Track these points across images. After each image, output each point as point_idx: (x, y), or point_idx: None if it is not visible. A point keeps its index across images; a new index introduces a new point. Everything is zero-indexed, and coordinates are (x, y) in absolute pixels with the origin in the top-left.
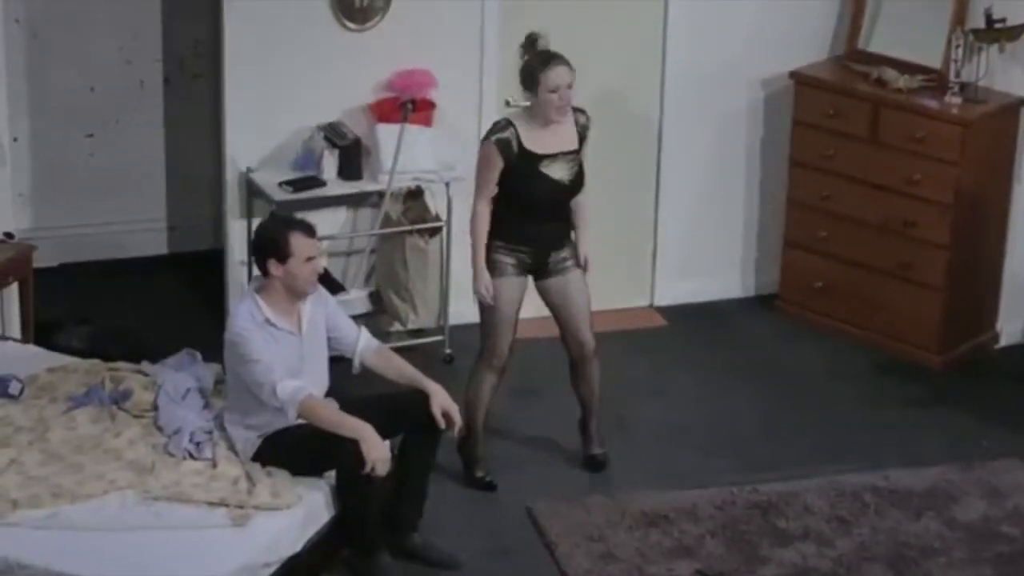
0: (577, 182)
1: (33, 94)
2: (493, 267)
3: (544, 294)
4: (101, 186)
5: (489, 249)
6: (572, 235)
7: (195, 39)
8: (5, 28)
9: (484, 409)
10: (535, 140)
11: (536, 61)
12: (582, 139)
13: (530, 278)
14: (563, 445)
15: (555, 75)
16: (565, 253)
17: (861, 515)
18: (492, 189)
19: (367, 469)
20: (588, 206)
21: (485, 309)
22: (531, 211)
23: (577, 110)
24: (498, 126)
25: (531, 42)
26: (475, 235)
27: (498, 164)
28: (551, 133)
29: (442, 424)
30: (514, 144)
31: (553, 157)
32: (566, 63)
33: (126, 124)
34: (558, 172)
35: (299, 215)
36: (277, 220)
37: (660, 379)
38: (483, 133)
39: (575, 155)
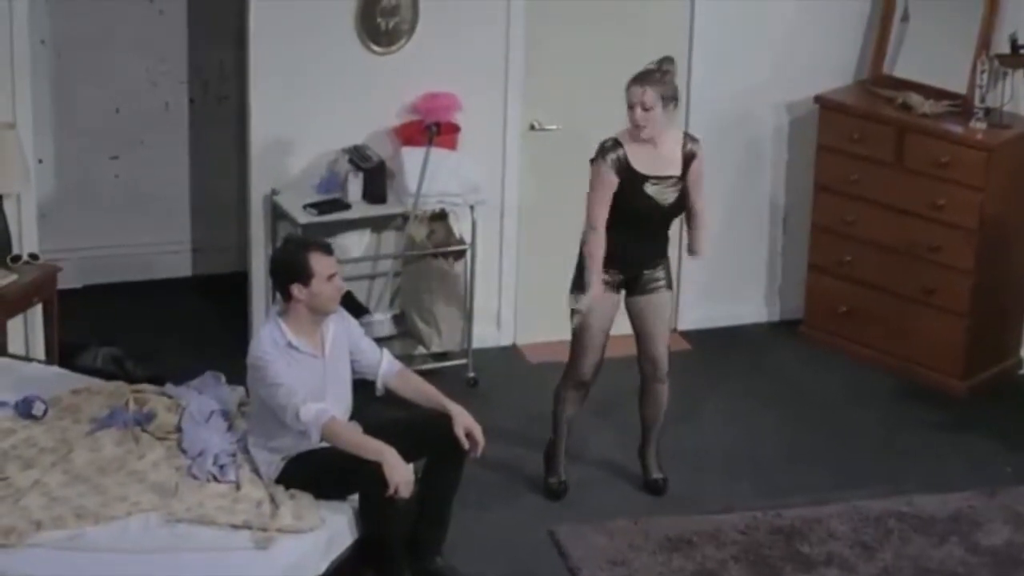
0: (676, 207)
1: (58, 115)
2: (585, 283)
3: (630, 310)
4: (126, 208)
5: (583, 268)
6: (667, 257)
7: (220, 61)
8: (31, 49)
9: (567, 416)
10: (641, 160)
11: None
12: (687, 164)
13: (623, 293)
14: (591, 468)
15: (629, 93)
16: (659, 273)
17: (885, 540)
18: (606, 212)
19: (390, 492)
20: (706, 212)
21: (574, 323)
22: (630, 230)
23: (689, 135)
24: (607, 146)
25: (659, 63)
26: (593, 258)
27: (613, 182)
28: (657, 154)
29: (466, 444)
30: (623, 162)
31: (658, 179)
32: (642, 82)
33: (151, 146)
34: (661, 194)
35: (323, 238)
36: (293, 243)
37: (684, 403)
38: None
39: (678, 180)
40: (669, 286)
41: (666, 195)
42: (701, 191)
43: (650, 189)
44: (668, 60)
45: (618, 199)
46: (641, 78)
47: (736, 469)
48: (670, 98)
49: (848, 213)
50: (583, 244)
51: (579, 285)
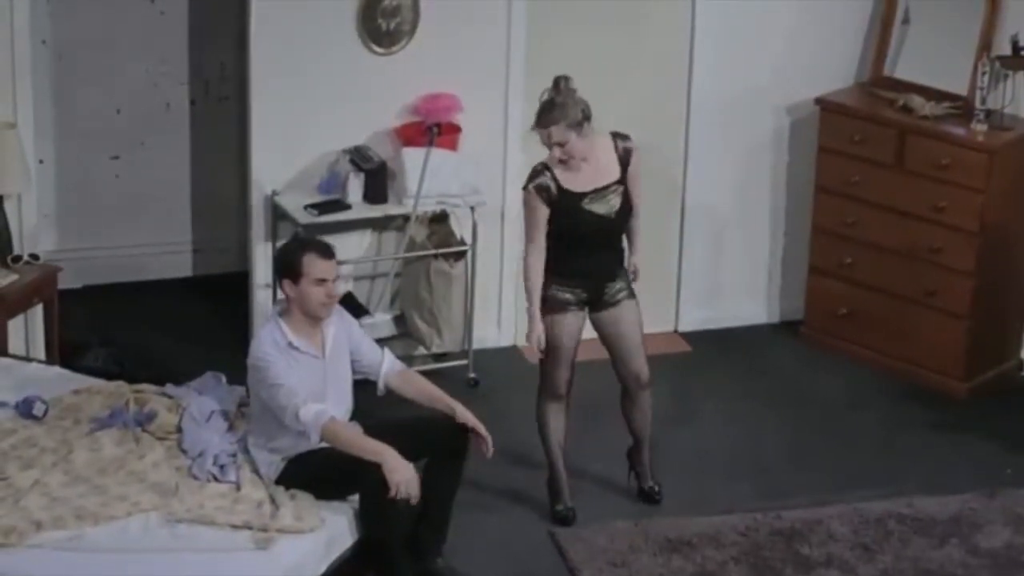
0: (623, 212)
1: (59, 116)
2: (552, 301)
3: (598, 326)
4: (126, 208)
5: (548, 285)
6: (624, 264)
7: (221, 62)
8: (32, 49)
9: (556, 438)
10: (572, 179)
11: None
12: (625, 165)
13: (586, 310)
14: (592, 469)
15: (539, 135)
16: (620, 284)
17: (885, 542)
18: (542, 236)
19: (392, 493)
20: (640, 228)
21: (544, 341)
22: (580, 246)
23: (618, 135)
24: (535, 172)
25: (564, 82)
26: (529, 285)
27: (542, 210)
28: (589, 169)
29: (480, 429)
30: (552, 187)
31: (595, 192)
32: (543, 124)
33: (152, 146)
34: (602, 207)
35: (324, 238)
36: (295, 241)
37: (684, 405)
38: (506, 156)
39: (617, 185)
40: (632, 295)
41: (610, 203)
42: (638, 190)
43: (589, 205)
44: (562, 79)
45: (561, 221)
46: (541, 120)
47: (736, 470)
48: (578, 122)
49: (849, 215)
50: (524, 268)
51: (544, 305)
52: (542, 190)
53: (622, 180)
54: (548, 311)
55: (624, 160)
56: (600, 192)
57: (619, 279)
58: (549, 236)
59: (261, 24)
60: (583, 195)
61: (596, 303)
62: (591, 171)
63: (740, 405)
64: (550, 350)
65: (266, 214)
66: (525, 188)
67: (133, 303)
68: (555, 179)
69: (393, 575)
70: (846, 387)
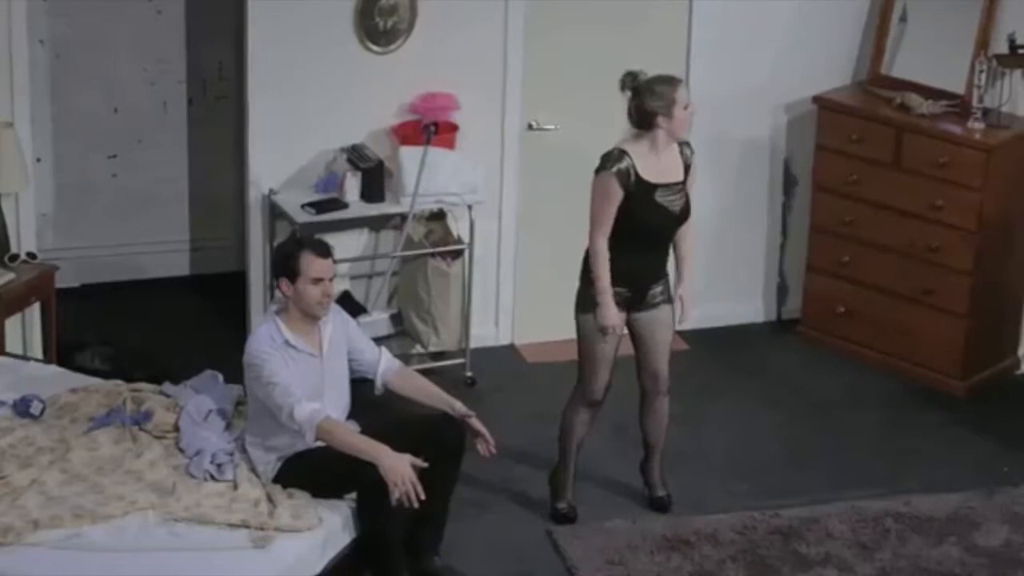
0: (686, 212)
1: (57, 115)
2: (593, 303)
3: (633, 326)
4: (124, 207)
5: (590, 284)
6: (667, 270)
7: (219, 61)
8: (29, 49)
9: (576, 442)
10: (649, 169)
11: (662, 85)
12: (687, 170)
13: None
14: (591, 467)
15: (681, 94)
16: (660, 287)
17: (882, 541)
18: (610, 223)
19: (391, 493)
20: (695, 236)
21: (585, 345)
22: (641, 243)
23: (686, 144)
24: (613, 156)
25: (633, 78)
26: (600, 271)
27: (619, 195)
28: (662, 162)
29: (472, 419)
30: (632, 174)
31: (667, 187)
32: (683, 83)
33: (149, 145)
34: (671, 203)
35: (321, 237)
36: (293, 240)
37: (682, 403)
38: (504, 155)
39: (682, 186)
40: (669, 299)
41: (674, 203)
42: (692, 199)
43: (661, 199)
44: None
45: (630, 213)
46: (680, 80)
47: (734, 469)
48: None
49: (847, 213)
50: (588, 262)
51: (586, 303)
52: (623, 175)
53: (683, 183)
54: (592, 310)
55: (686, 167)
56: (670, 187)
57: (662, 281)
58: (612, 230)
59: (258, 23)
60: (657, 187)
61: (637, 304)
62: (663, 164)
63: (738, 404)
64: (590, 355)
65: (264, 213)
66: (603, 171)
67: (131, 302)
68: (634, 165)
69: (390, 573)
70: (844, 386)
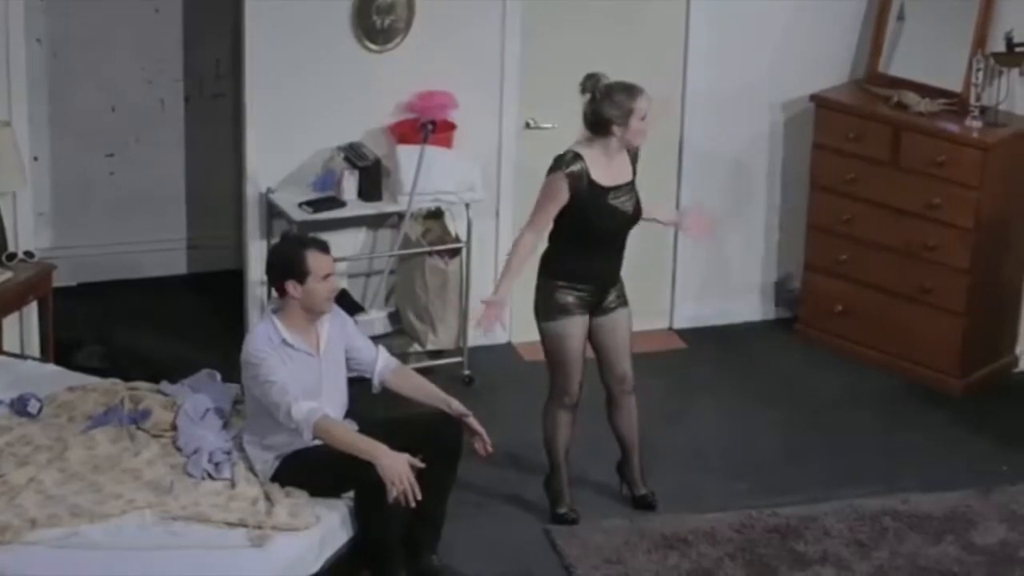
0: (638, 212)
1: (54, 114)
2: (558, 306)
3: (593, 331)
4: (121, 206)
5: (552, 289)
6: (620, 274)
7: (216, 59)
8: (26, 48)
9: (563, 445)
10: (602, 172)
11: (621, 94)
12: (634, 164)
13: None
14: (587, 466)
15: (641, 105)
16: (615, 292)
17: (880, 539)
18: (548, 223)
19: (389, 492)
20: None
21: (554, 350)
22: (597, 246)
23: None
24: (567, 159)
25: (595, 82)
26: (515, 262)
27: (564, 198)
28: (614, 165)
29: (466, 412)
30: (584, 177)
31: (618, 189)
32: (644, 92)
33: (146, 144)
34: (624, 204)
35: (318, 235)
36: (291, 240)
37: (679, 402)
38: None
39: (632, 185)
40: (625, 302)
41: (626, 203)
42: (641, 202)
43: (613, 201)
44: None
45: (584, 216)
46: (642, 90)
47: (731, 467)
48: None
49: (844, 212)
50: (542, 264)
51: (548, 310)
52: (575, 177)
53: (633, 181)
54: (556, 316)
55: (634, 162)
56: (621, 188)
57: (617, 286)
58: (564, 235)
59: (255, 21)
60: (609, 190)
61: (596, 309)
62: (616, 167)
63: (735, 402)
64: (561, 359)
65: (261, 211)
66: (556, 171)
67: (128, 301)
68: (587, 169)
69: (388, 573)
70: (841, 384)
